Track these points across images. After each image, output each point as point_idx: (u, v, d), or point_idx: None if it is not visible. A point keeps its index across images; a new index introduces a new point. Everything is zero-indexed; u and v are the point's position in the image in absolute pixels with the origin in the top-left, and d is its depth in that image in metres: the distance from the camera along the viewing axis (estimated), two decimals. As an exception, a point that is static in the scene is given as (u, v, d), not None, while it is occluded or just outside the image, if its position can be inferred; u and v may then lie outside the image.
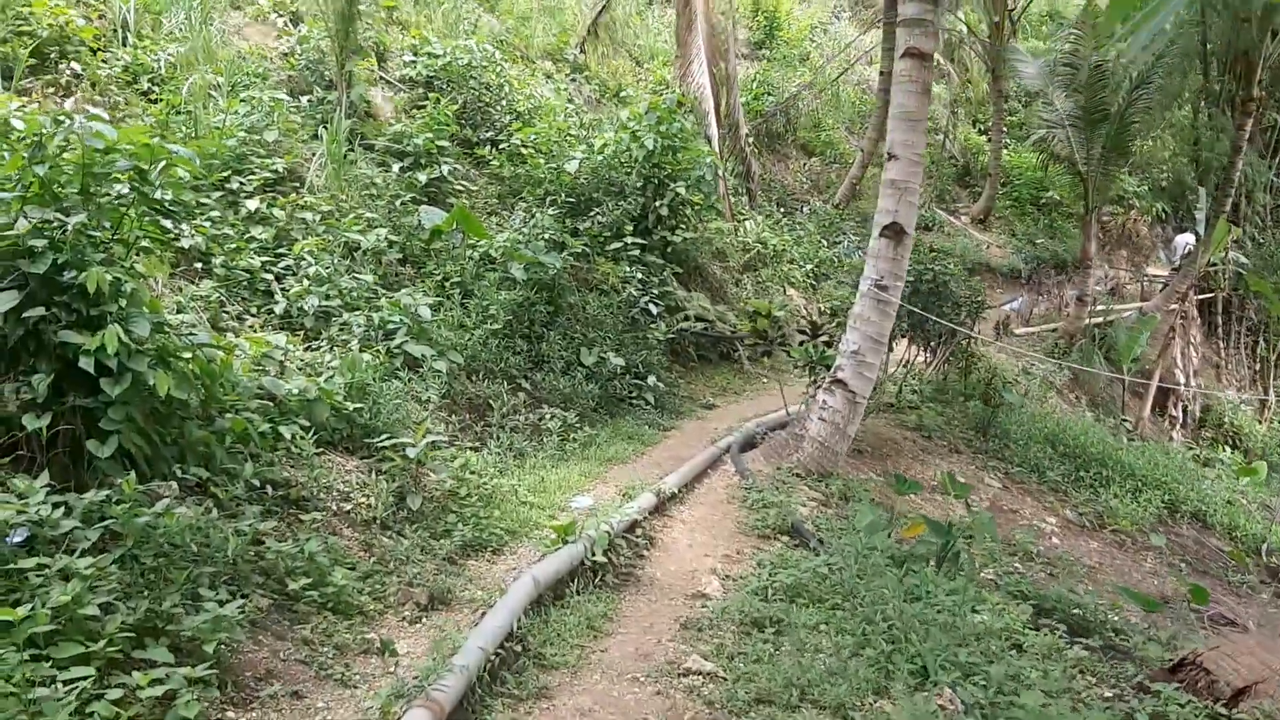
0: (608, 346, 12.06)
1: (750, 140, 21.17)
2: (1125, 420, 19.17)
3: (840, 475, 10.06)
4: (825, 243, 21.24)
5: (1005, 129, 29.23)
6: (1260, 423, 22.99)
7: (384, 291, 10.36)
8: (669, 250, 14.58)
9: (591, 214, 13.75)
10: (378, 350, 8.92)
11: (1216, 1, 19.37)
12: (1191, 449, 19.72)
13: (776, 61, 29.44)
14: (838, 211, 23.45)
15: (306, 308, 9.32)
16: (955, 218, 28.35)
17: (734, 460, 10.03)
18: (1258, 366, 25.60)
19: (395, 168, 12.86)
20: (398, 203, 12.09)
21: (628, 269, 13.41)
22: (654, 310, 13.30)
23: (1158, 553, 11.74)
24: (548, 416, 10.47)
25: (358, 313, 9.56)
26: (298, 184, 11.46)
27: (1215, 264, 22.03)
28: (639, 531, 7.71)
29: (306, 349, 8.73)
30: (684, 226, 14.85)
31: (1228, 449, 20.64)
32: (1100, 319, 21.18)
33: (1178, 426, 20.63)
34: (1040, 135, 19.83)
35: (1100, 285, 26.73)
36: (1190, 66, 22.36)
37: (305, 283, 9.61)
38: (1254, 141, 21.97)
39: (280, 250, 10.15)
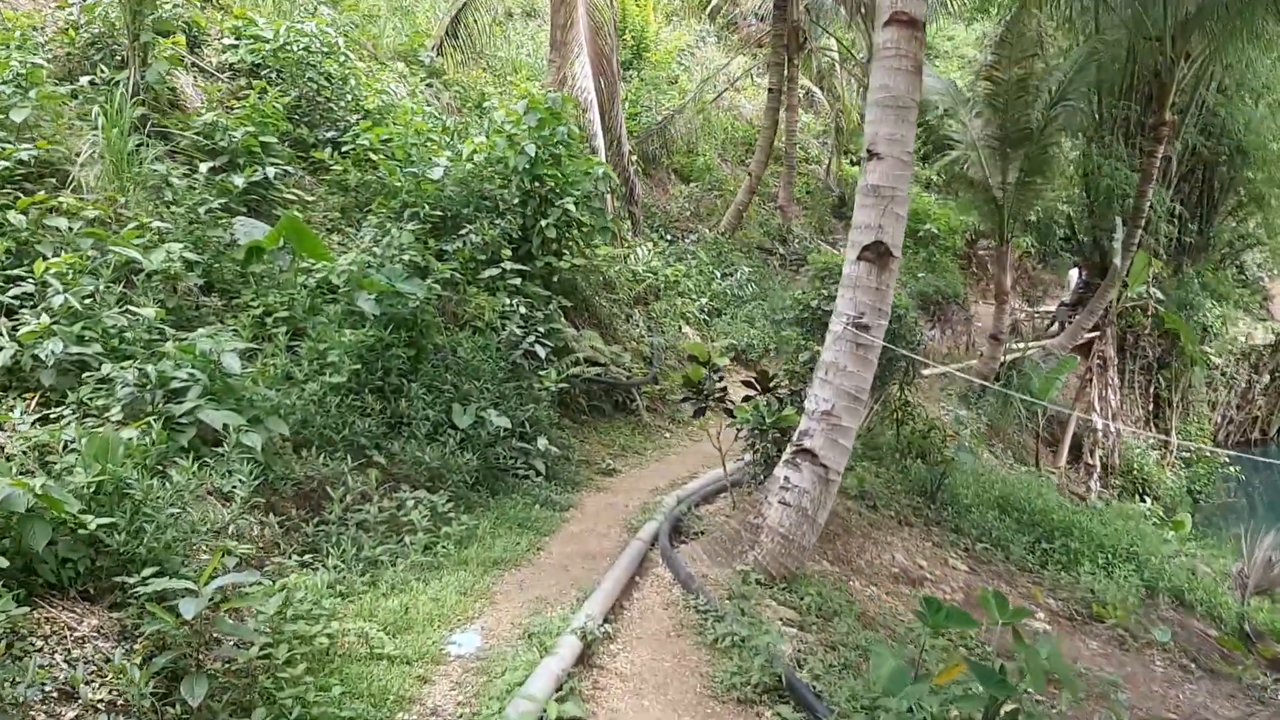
0: (486, 401, 9.28)
1: (634, 159, 18.72)
2: (1050, 471, 17.42)
3: (808, 577, 7.55)
4: (717, 274, 18.91)
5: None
6: (1164, 468, 21.74)
7: (175, 332, 7.33)
8: (555, 279, 11.90)
9: (462, 233, 10.97)
10: (149, 422, 5.89)
11: (1127, 20, 17.93)
12: (1109, 501, 18.13)
13: (646, 82, 27.27)
14: (726, 240, 21.19)
15: (44, 356, 6.21)
16: (836, 250, 26.59)
17: (668, 561, 7.38)
18: (1151, 406, 24.52)
19: (204, 168, 9.78)
20: (202, 211, 9.02)
21: (507, 301, 10.68)
22: (542, 352, 10.56)
23: (1162, 650, 9.65)
24: (409, 503, 7.60)
25: (128, 364, 6.50)
26: (57, 181, 8.33)
27: (1134, 299, 20.68)
28: (566, 703, 4.97)
29: (38, 422, 5.70)
30: (572, 251, 12.20)
31: (1144, 499, 19.15)
32: (1010, 358, 19.47)
33: (1094, 476, 19.03)
34: (953, 157, 17.99)
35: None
36: (1090, 92, 21.09)
37: (47, 318, 6.50)
38: (1164, 171, 20.76)
39: (16, 271, 7.01)
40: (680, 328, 15.66)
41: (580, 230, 12.30)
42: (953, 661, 5.81)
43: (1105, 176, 20.97)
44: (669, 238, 19.58)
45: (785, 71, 22.52)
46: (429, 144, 12.32)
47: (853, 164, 31.92)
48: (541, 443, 9.56)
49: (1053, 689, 7.50)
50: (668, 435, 12.55)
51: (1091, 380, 19.35)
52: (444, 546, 7.30)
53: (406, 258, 9.73)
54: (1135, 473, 20.51)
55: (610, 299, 14.19)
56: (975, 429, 16.92)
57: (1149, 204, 19.04)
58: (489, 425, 8.90)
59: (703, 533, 8.22)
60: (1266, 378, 26.93)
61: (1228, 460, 22.19)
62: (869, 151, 7.37)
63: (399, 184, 11.20)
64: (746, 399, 8.78)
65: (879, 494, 11.00)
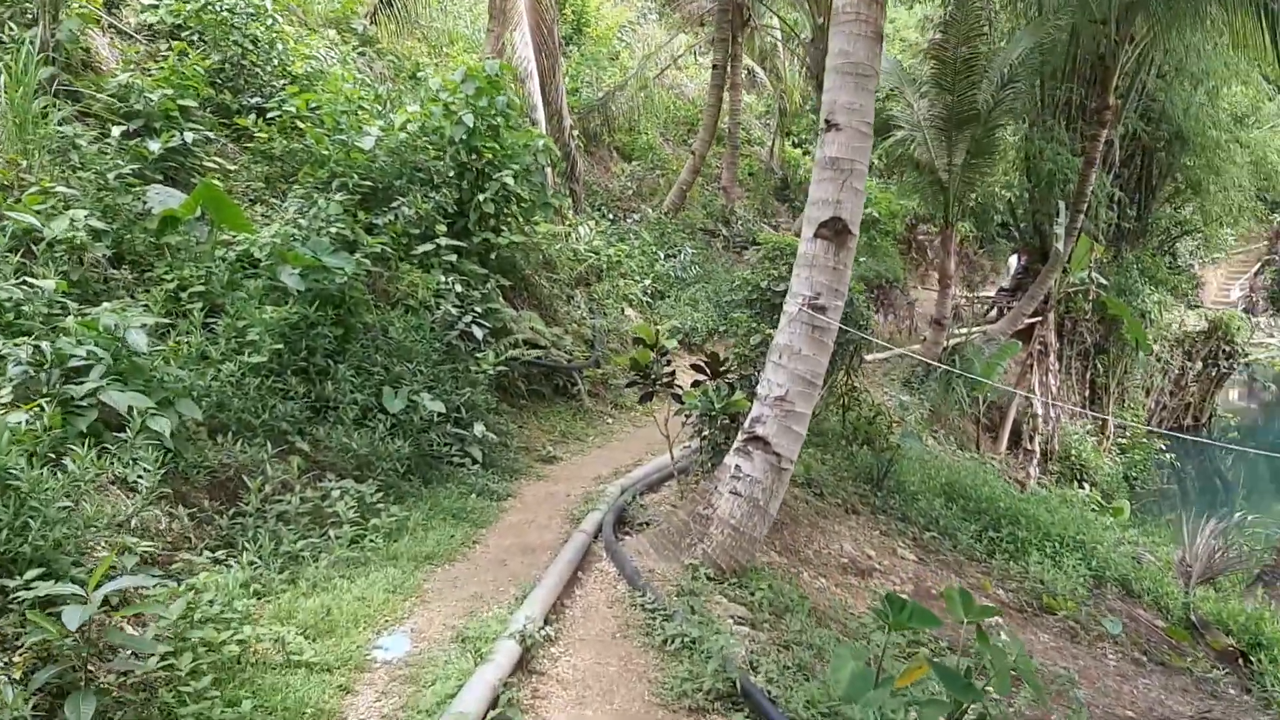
0: (419, 384, 8.78)
1: (575, 134, 18.21)
2: (991, 457, 17.33)
3: (759, 570, 7.20)
4: (660, 255, 18.50)
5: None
6: (1101, 454, 21.81)
7: (79, 307, 6.74)
8: (492, 257, 11.40)
9: (393, 206, 10.42)
10: (42, 405, 5.34)
11: (1072, 1, 17.76)
12: (1048, 487, 18.12)
13: (587, 58, 26.74)
14: (669, 220, 20.77)
15: (-75, 332, 5.63)
16: (778, 233, 26.32)
17: (613, 555, 6.97)
18: (1088, 392, 24.62)
19: (116, 132, 9.10)
20: (112, 177, 8.36)
21: (442, 279, 10.18)
22: (479, 333, 10.07)
23: (1114, 643, 9.48)
24: (335, 493, 7.09)
25: (23, 340, 5.90)
26: (-50, 143, 7.67)
27: (1075, 284, 20.62)
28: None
29: (-85, 404, 5.11)
30: (510, 227, 11.71)
31: (1083, 485, 19.17)
32: (953, 343, 19.32)
33: (1034, 461, 19.00)
34: (898, 138, 17.70)
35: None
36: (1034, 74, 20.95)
37: (-71, 290, 5.89)
38: (1105, 156, 20.71)
39: (-100, 238, 6.38)
40: (623, 310, 15.24)
41: (519, 205, 11.81)
42: (914, 663, 5.48)
43: (1047, 161, 20.89)
44: (610, 217, 19.13)
45: (729, 49, 22.15)
46: (360, 112, 11.73)
47: (795, 146, 31.74)
48: (478, 428, 9.10)
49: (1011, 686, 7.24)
50: (610, 421, 12.14)
51: (1032, 365, 19.31)
52: (372, 540, 6.82)
53: (334, 230, 9.16)
54: (1073, 459, 20.54)
55: (551, 279, 13.73)
56: (918, 415, 16.75)
57: (1091, 189, 19.00)
58: (422, 410, 8.41)
59: (648, 524, 7.83)
60: (1199, 364, 27.22)
61: (1164, 447, 22.35)
62: (827, 122, 6.98)
63: (327, 153, 10.61)
64: (695, 384, 8.37)
65: (825, 481, 10.71)
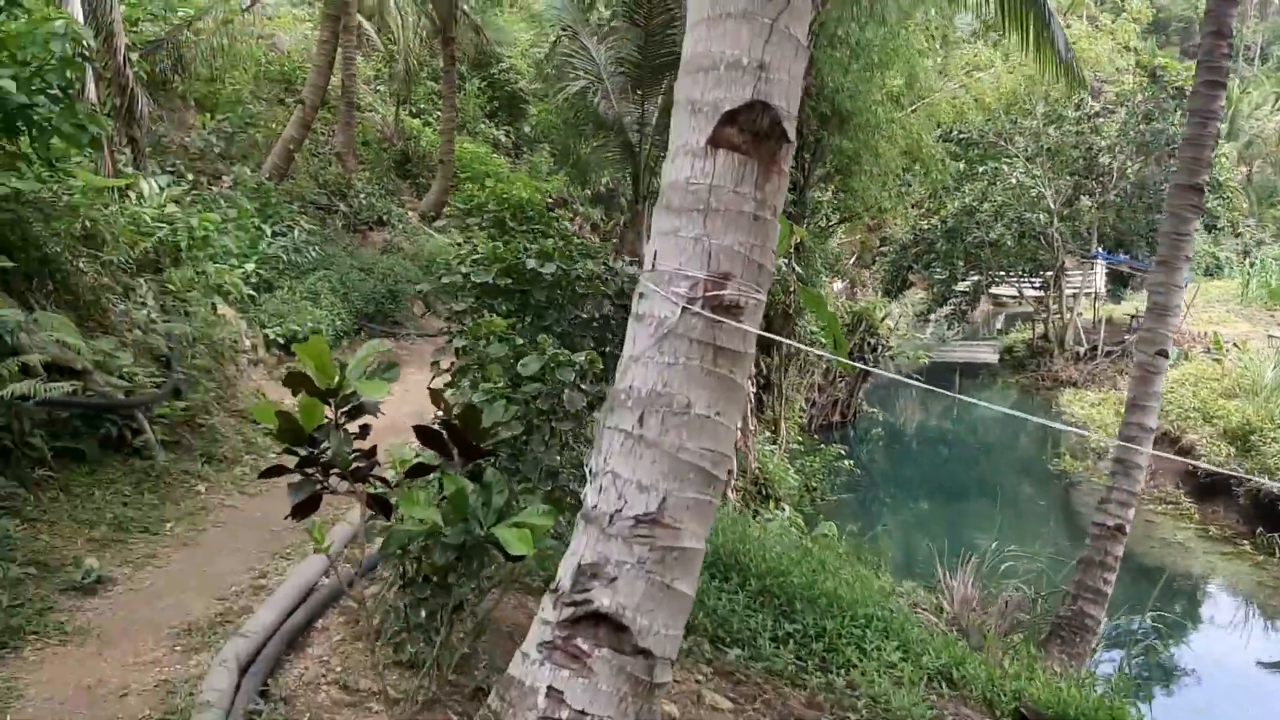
0: None
1: (135, 62, 12.88)
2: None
3: None
4: (266, 230, 13.58)
5: (457, 108, 23.92)
6: (782, 465, 19.57)
7: None
8: (-22, 217, 6.40)
9: None
10: None
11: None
12: (748, 511, 15.38)
13: (152, -11, 20.86)
14: (273, 189, 15.77)
15: None
16: (405, 211, 22.02)
17: None
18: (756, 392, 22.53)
19: None
20: None
21: None
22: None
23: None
24: None
25: None
26: None
27: (774, 274, 18.01)
28: None
29: None
30: (22, 172, 6.71)
31: (779, 506, 16.64)
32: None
33: (730, 484, 16.17)
34: (579, 88, 14.01)
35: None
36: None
37: None
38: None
39: None
40: (214, 307, 10.34)
41: (31, 132, 6.81)
42: None
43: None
44: (190, 179, 13.92)
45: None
46: None
47: (413, 116, 27.61)
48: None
49: None
50: (202, 489, 7.45)
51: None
52: None
53: None
54: (759, 473, 18.06)
55: (95, 260, 8.65)
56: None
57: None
58: None
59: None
60: (846, 359, 26.09)
61: (843, 452, 20.49)
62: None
63: None
64: (416, 470, 3.90)
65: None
